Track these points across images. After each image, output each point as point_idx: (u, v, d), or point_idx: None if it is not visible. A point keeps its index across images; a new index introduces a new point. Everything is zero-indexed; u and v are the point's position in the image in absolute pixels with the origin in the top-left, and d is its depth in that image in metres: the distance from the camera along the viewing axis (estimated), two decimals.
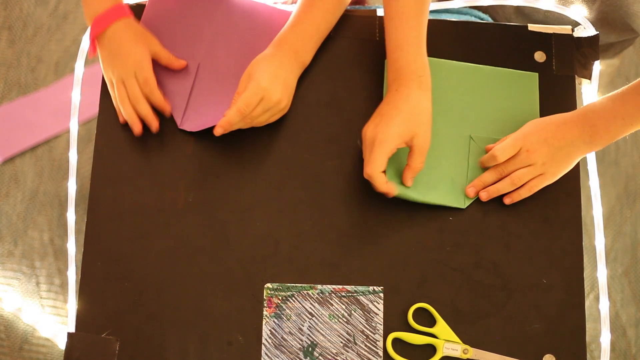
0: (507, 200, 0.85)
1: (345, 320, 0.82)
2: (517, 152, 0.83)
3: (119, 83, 0.85)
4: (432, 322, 0.83)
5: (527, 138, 0.83)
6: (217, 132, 0.80)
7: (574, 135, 0.82)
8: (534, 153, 0.82)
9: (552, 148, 0.82)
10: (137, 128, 0.86)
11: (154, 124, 0.86)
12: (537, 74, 0.90)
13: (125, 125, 0.88)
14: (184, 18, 0.91)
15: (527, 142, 0.83)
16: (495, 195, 0.85)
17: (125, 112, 0.86)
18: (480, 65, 0.91)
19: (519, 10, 1.04)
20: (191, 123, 0.87)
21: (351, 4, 0.92)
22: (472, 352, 0.81)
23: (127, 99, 0.85)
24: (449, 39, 0.92)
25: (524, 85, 0.90)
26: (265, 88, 0.80)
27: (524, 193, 0.84)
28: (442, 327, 0.82)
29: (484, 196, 0.85)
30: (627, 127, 0.81)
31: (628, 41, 1.09)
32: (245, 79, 0.82)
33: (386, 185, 0.80)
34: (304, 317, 0.82)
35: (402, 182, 0.83)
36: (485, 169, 0.86)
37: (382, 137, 0.78)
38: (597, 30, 0.92)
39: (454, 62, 0.90)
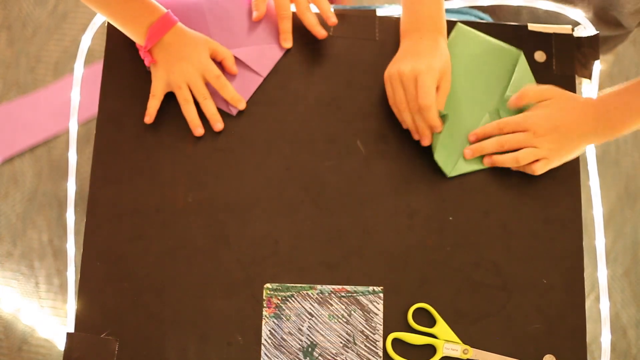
0: (487, 161, 0.85)
1: (345, 320, 0.82)
2: (524, 130, 0.83)
3: (182, 86, 0.85)
4: (432, 322, 0.83)
5: (539, 121, 0.82)
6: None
7: (589, 128, 0.82)
8: (542, 137, 0.82)
9: (563, 137, 0.82)
10: (201, 130, 0.86)
11: (219, 123, 0.86)
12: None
13: (125, 125, 0.87)
14: (189, 20, 0.90)
15: (537, 124, 0.82)
16: (495, 165, 0.85)
17: (189, 114, 0.86)
18: (507, 46, 0.91)
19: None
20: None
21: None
22: (472, 352, 0.81)
23: (191, 100, 0.86)
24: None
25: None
26: None
27: (523, 170, 0.85)
28: (442, 327, 0.82)
29: (487, 162, 0.85)
30: None
31: (621, 37, 1.09)
32: None
33: (437, 118, 0.81)
34: (304, 317, 0.82)
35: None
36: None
37: (428, 67, 0.79)
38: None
39: (486, 36, 0.91)
